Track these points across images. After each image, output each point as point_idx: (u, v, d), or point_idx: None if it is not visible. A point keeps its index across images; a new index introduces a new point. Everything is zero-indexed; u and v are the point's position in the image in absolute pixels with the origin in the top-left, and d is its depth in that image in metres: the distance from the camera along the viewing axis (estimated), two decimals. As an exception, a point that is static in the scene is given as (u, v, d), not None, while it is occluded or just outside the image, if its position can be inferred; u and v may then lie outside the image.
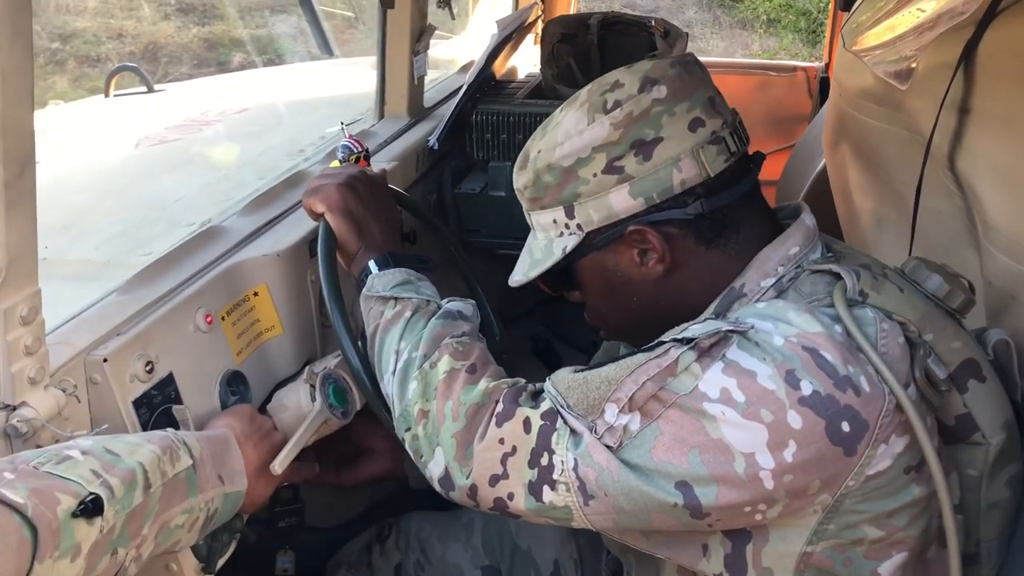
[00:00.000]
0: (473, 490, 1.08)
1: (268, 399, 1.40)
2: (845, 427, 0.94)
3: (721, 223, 1.10)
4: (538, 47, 2.51)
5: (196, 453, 1.10)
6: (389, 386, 1.18)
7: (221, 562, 1.20)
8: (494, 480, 1.06)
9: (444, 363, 1.13)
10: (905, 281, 1.10)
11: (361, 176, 1.38)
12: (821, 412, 0.94)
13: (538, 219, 1.17)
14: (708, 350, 0.97)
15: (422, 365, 1.14)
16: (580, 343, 2.50)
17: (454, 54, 2.71)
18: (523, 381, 1.13)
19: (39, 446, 1.04)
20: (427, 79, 2.19)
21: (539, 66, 2.44)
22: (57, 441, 1.06)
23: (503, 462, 1.05)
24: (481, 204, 2.06)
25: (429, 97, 2.24)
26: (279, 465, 1.24)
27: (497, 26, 2.35)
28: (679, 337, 0.99)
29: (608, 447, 0.99)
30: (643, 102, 1.07)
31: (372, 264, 1.29)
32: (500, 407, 1.07)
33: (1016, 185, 1.26)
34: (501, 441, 1.05)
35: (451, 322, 1.19)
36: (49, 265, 1.25)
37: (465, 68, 2.55)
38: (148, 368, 1.20)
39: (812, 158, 2.33)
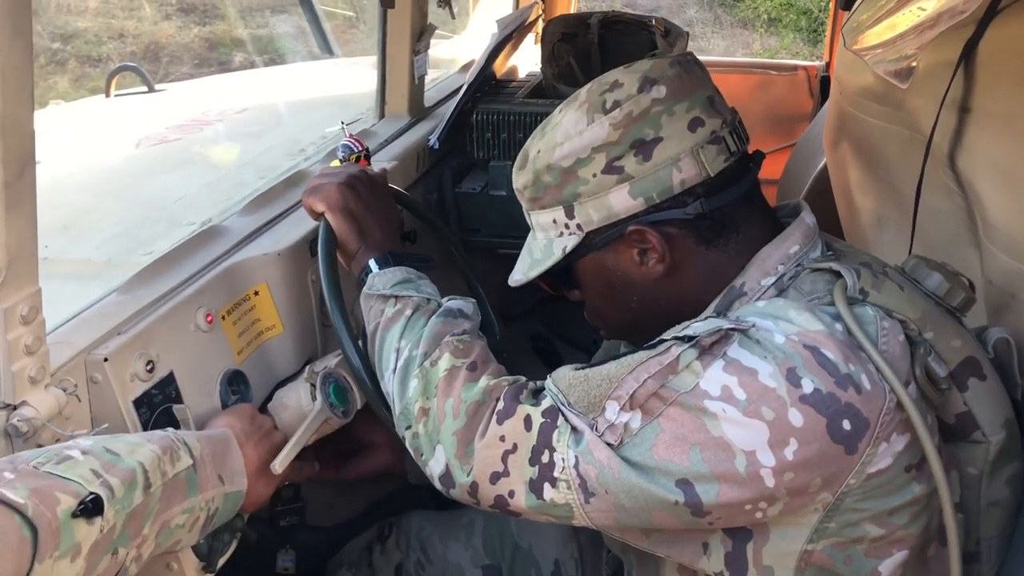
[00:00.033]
0: (474, 488, 1.08)
1: (269, 398, 1.40)
2: (846, 425, 0.94)
3: (721, 222, 1.10)
4: (538, 46, 2.51)
5: (196, 453, 1.10)
6: (389, 384, 1.18)
7: (222, 561, 1.20)
8: (495, 478, 1.06)
9: (445, 361, 1.13)
10: (905, 279, 1.10)
11: (361, 175, 1.38)
12: (822, 410, 0.94)
13: (538, 219, 1.17)
14: (709, 348, 0.97)
15: (423, 363, 1.14)
16: (580, 342, 2.49)
17: (454, 53, 2.70)
18: (524, 379, 1.13)
19: (39, 445, 1.04)
20: (427, 78, 2.19)
21: (539, 65, 2.44)
22: (57, 440, 1.06)
23: (504, 460, 1.05)
24: (481, 203, 2.06)
25: (429, 96, 2.24)
26: (280, 464, 1.24)
27: (497, 25, 2.35)
28: (680, 335, 0.99)
29: (609, 445, 0.99)
30: (642, 102, 1.07)
31: (372, 263, 1.29)
32: (501, 405, 1.07)
33: (1016, 184, 1.26)
34: (502, 439, 1.05)
35: (452, 320, 1.19)
36: (49, 265, 1.26)
37: (465, 67, 2.54)
38: (148, 367, 1.20)
39: (813, 157, 2.33)
